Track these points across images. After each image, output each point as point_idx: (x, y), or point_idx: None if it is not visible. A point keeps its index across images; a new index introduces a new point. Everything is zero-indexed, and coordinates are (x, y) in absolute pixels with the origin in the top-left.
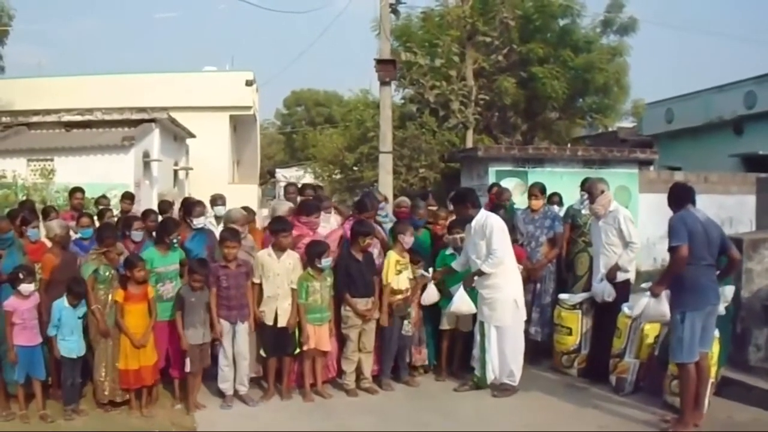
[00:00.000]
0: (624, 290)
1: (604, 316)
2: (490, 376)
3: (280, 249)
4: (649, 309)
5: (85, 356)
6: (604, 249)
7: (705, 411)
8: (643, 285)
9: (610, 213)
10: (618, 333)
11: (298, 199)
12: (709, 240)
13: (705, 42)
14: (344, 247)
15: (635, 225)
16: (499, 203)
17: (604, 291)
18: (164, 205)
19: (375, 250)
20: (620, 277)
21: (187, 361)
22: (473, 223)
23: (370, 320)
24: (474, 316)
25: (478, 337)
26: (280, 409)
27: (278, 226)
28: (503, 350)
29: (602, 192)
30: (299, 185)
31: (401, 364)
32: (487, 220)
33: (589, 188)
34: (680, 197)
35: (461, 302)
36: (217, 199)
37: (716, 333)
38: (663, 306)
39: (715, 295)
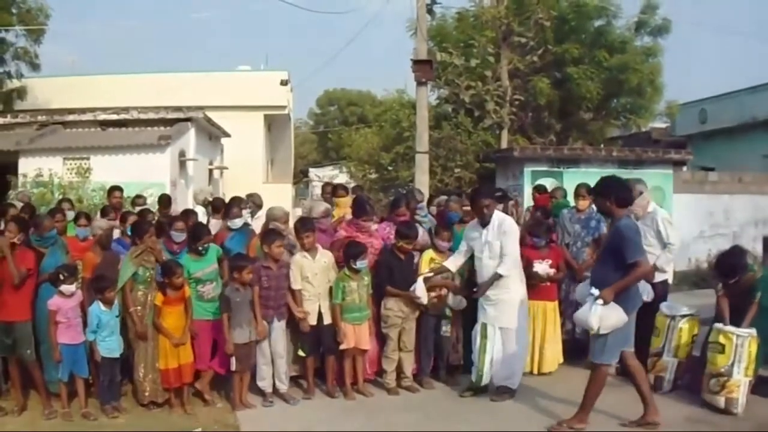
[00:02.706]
0: (662, 290)
1: (642, 314)
2: (486, 379)
3: (306, 249)
4: (608, 318)
5: (125, 355)
6: None
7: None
8: (593, 291)
9: (648, 214)
10: (656, 332)
11: (334, 200)
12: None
13: (738, 43)
14: (385, 247)
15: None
16: (553, 200)
17: (643, 291)
18: (217, 203)
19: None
20: (658, 277)
21: (233, 360)
22: (491, 221)
23: (410, 320)
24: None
25: (479, 339)
26: (321, 407)
27: (300, 227)
28: (508, 352)
29: (640, 193)
30: (333, 185)
31: (440, 363)
32: (504, 221)
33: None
34: (625, 199)
35: (418, 291)
36: (247, 199)
37: (754, 332)
38: (617, 310)
39: (641, 297)
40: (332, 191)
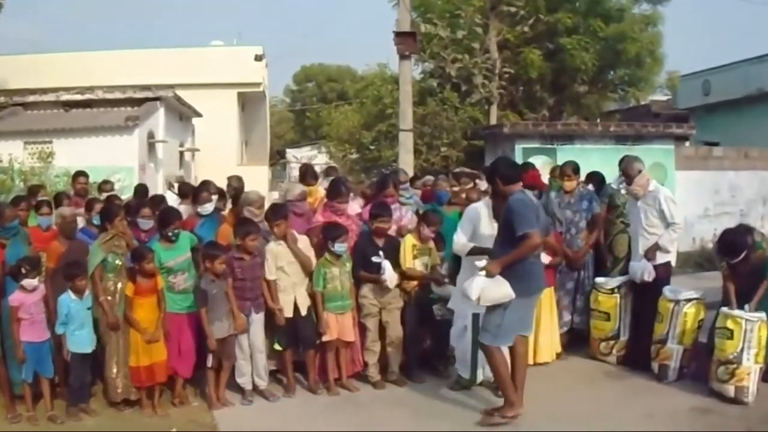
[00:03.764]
0: (665, 272)
1: (644, 299)
2: (481, 375)
3: (279, 237)
4: (489, 290)
5: (95, 352)
6: (643, 231)
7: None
8: (477, 263)
9: (649, 193)
10: (659, 317)
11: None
12: (539, 225)
13: (744, 10)
14: (363, 231)
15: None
16: (535, 184)
17: (644, 269)
18: (185, 188)
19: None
20: (661, 258)
21: (209, 356)
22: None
23: (392, 311)
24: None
25: (470, 332)
26: (304, 404)
27: (271, 215)
28: None
29: (639, 172)
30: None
31: (438, 352)
32: None
33: (624, 168)
34: (509, 176)
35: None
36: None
37: (764, 316)
38: (503, 285)
39: (543, 281)
40: (300, 178)
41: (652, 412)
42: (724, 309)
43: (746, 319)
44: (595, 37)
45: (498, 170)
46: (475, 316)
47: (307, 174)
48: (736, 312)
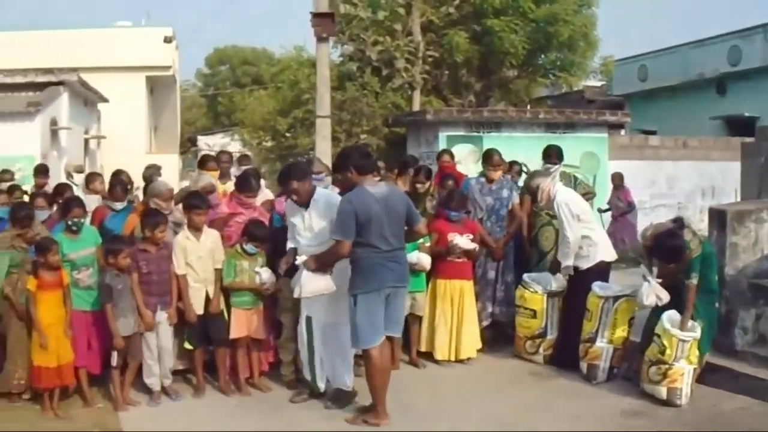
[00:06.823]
0: (595, 275)
1: (572, 296)
2: (321, 383)
3: (195, 228)
4: (308, 283)
5: None
6: (561, 238)
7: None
8: (298, 257)
9: (554, 201)
10: (588, 315)
11: (233, 170)
12: (390, 220)
13: None
14: (273, 222)
15: (590, 204)
16: (449, 174)
17: (549, 281)
18: (90, 178)
19: None
20: (585, 263)
21: (114, 354)
22: (315, 199)
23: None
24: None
25: (305, 336)
26: (214, 405)
27: (192, 202)
28: (341, 348)
29: (538, 187)
30: (228, 155)
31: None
32: (331, 196)
33: (528, 189)
34: (365, 166)
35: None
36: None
37: (697, 334)
38: (323, 279)
39: (396, 277)
40: (199, 162)
41: (580, 413)
42: (664, 317)
43: (680, 339)
44: (525, 18)
45: (352, 159)
46: (308, 320)
47: (206, 159)
48: (673, 330)
